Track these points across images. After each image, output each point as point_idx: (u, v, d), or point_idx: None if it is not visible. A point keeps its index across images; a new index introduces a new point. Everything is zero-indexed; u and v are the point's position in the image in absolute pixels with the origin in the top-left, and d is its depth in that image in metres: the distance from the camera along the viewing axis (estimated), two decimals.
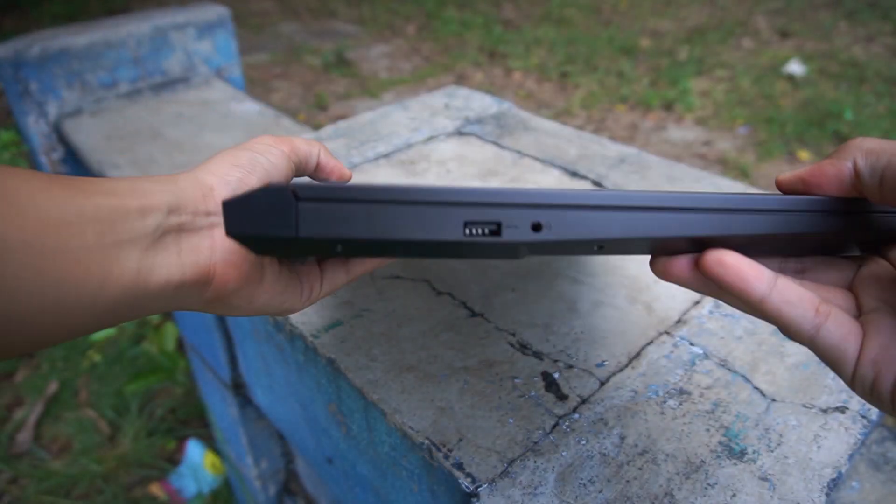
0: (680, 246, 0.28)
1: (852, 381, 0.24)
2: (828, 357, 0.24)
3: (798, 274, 0.28)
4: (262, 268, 0.31)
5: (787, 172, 0.27)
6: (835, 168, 0.25)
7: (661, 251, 0.28)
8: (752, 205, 0.26)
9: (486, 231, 0.25)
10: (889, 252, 0.27)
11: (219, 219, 0.29)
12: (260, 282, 0.31)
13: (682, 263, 0.27)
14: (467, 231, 0.25)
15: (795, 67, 2.97)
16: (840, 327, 0.24)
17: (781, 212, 0.26)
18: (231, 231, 0.25)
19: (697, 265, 0.26)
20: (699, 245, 0.27)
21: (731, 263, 0.25)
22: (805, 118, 2.56)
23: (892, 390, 0.22)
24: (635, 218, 0.25)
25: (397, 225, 0.24)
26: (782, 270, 0.28)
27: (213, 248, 0.29)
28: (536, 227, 0.25)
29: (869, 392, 0.23)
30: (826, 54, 3.18)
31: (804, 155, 2.34)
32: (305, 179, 0.34)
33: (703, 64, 3.14)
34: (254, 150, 0.32)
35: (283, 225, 0.24)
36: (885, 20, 3.59)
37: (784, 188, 0.27)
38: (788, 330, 0.25)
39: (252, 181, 0.31)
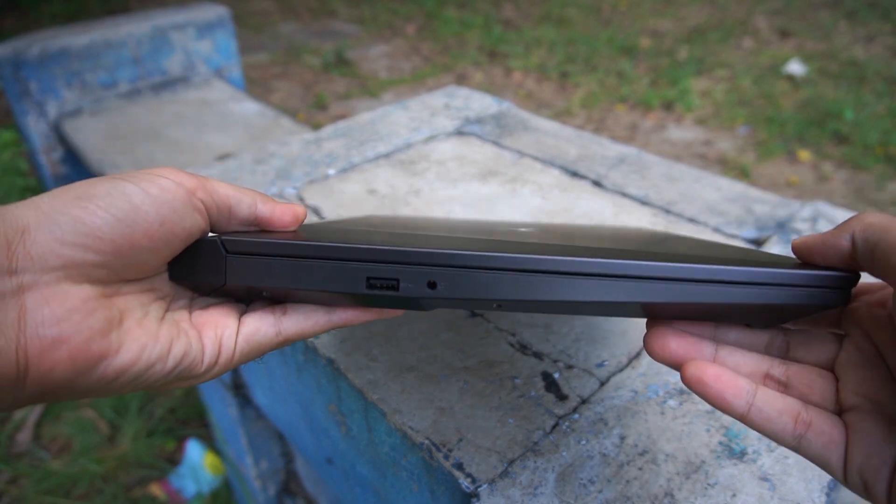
0: (592, 309, 0.28)
1: (846, 484, 0.24)
2: (815, 462, 0.25)
3: (782, 353, 0.28)
4: (116, 334, 0.23)
5: (799, 239, 0.27)
6: (835, 240, 0.24)
7: (574, 311, 0.29)
8: (656, 272, 0.25)
9: (386, 286, 0.27)
10: (866, 327, 0.26)
11: (33, 277, 0.21)
12: (116, 354, 0.23)
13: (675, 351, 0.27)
14: (369, 285, 0.27)
15: (795, 67, 2.97)
16: (821, 437, 0.24)
17: (702, 282, 0.25)
18: (172, 277, 0.28)
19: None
20: (617, 309, 0.27)
21: (710, 383, 0.25)
22: (805, 118, 2.56)
23: (887, 495, 0.22)
24: (530, 281, 0.26)
25: (311, 278, 0.27)
26: (768, 349, 0.28)
27: (21, 323, 0.21)
28: (431, 285, 0.26)
29: (865, 496, 0.23)
30: (826, 54, 3.18)
31: (804, 155, 2.34)
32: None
33: (703, 64, 3.14)
34: (126, 180, 0.24)
35: (214, 274, 0.27)
36: (885, 20, 3.59)
37: (795, 251, 0.27)
38: (775, 439, 0.25)
39: (96, 219, 0.22)
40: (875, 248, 0.23)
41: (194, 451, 1.21)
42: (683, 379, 0.26)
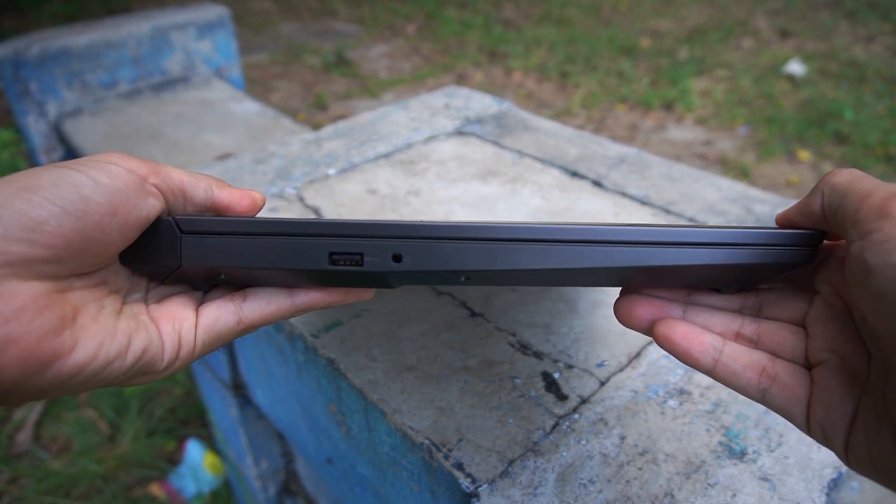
0: (562, 279, 0.28)
1: (810, 435, 0.25)
2: (780, 414, 0.26)
3: (755, 311, 0.28)
4: (70, 332, 0.22)
5: (780, 212, 0.27)
6: (808, 206, 0.25)
7: (545, 282, 0.29)
8: (622, 236, 0.25)
9: (350, 262, 0.26)
10: (836, 285, 0.26)
11: None
12: (70, 353, 0.22)
13: (643, 315, 0.27)
14: (332, 261, 0.26)
15: (795, 67, 2.97)
16: (784, 390, 0.25)
17: (662, 245, 0.25)
18: (123, 261, 0.27)
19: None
20: (588, 276, 0.27)
21: (678, 340, 0.26)
22: (805, 118, 2.56)
23: (844, 449, 0.23)
24: (497, 250, 0.26)
25: (270, 255, 0.26)
26: (742, 309, 0.28)
27: None
28: (397, 258, 0.26)
29: (826, 446, 0.24)
30: (826, 54, 3.17)
31: (804, 155, 2.34)
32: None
33: (703, 64, 3.14)
34: (73, 168, 0.23)
35: (169, 256, 0.26)
36: (885, 20, 3.59)
37: (781, 226, 0.27)
38: (739, 392, 0.26)
39: (42, 212, 0.21)
40: (836, 210, 0.23)
41: (194, 451, 1.21)
42: (654, 337, 0.27)
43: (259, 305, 0.28)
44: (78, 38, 1.46)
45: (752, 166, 2.28)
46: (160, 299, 0.28)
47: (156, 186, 0.25)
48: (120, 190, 0.23)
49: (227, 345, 0.29)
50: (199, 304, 0.28)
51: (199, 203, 0.27)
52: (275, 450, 0.90)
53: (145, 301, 0.28)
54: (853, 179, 0.23)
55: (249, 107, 1.49)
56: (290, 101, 2.88)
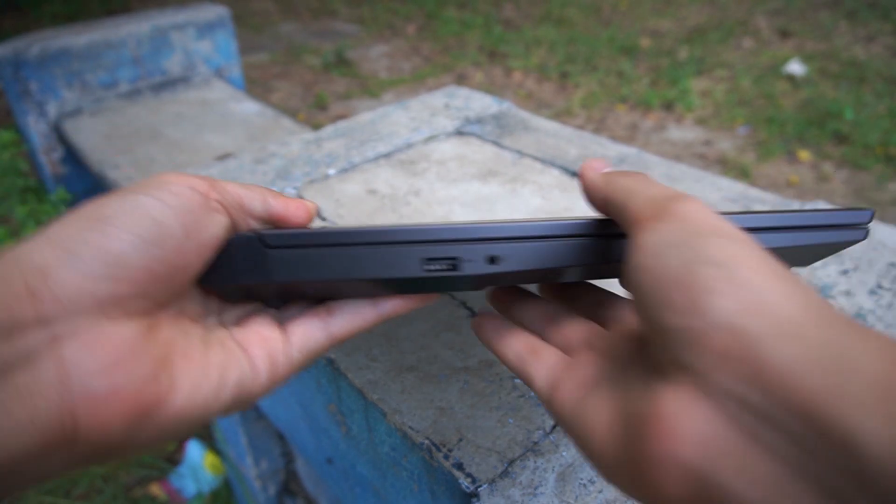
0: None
1: (540, 398, 0.26)
2: (520, 375, 0.27)
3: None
4: (167, 375, 0.20)
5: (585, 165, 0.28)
6: (601, 184, 0.25)
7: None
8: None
9: (445, 266, 0.26)
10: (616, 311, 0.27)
11: (66, 326, 0.18)
12: (168, 398, 0.20)
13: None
14: (426, 268, 0.26)
15: (795, 67, 2.97)
16: (539, 362, 0.27)
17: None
18: (205, 283, 0.25)
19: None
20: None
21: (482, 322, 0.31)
22: (805, 118, 2.56)
23: (555, 395, 0.24)
24: (594, 245, 0.26)
25: (361, 266, 0.25)
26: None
27: (63, 380, 0.17)
28: (493, 260, 0.26)
29: (547, 397, 0.25)
30: (826, 54, 3.18)
31: (804, 155, 2.34)
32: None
33: (703, 64, 3.14)
34: (138, 192, 0.21)
35: (257, 272, 0.25)
36: (885, 20, 3.59)
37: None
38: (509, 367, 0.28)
39: (121, 244, 0.19)
40: (622, 207, 0.23)
41: (195, 451, 1.21)
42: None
43: (346, 318, 0.28)
44: (78, 38, 1.46)
45: (752, 166, 2.28)
46: (238, 321, 0.26)
47: (218, 202, 0.23)
48: (188, 209, 0.22)
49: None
50: (281, 322, 0.27)
51: (258, 215, 0.26)
52: (275, 450, 0.90)
53: (223, 324, 0.26)
54: (623, 181, 0.24)
55: (249, 107, 1.49)
56: (290, 101, 2.88)
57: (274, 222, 0.27)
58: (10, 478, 0.17)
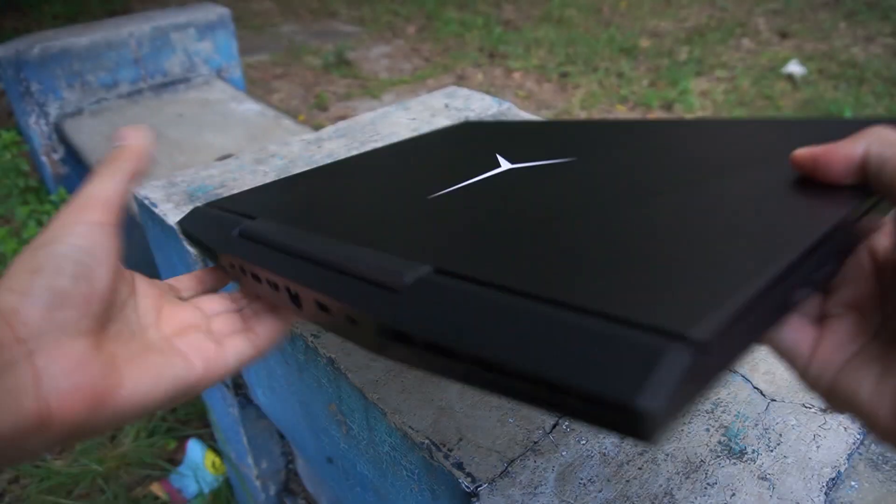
0: None
1: (803, 379, 0.26)
2: (785, 358, 0.26)
3: None
4: (114, 375, 0.26)
5: (801, 150, 0.26)
6: (847, 150, 0.24)
7: None
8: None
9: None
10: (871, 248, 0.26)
11: (36, 343, 0.24)
12: (116, 388, 0.26)
13: None
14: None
15: (795, 68, 2.97)
16: (794, 332, 0.26)
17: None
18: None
19: None
20: None
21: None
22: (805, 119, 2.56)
23: (831, 384, 0.25)
24: None
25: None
26: None
27: (37, 381, 0.24)
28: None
29: (817, 385, 0.25)
30: (826, 55, 3.18)
31: None
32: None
33: (702, 64, 3.15)
34: (50, 243, 0.27)
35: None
36: (884, 20, 3.59)
37: (798, 164, 0.26)
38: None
39: (63, 282, 0.25)
40: (884, 164, 0.23)
41: (195, 451, 1.21)
42: None
43: (269, 329, 0.34)
44: (79, 38, 1.46)
45: None
46: (180, 330, 0.32)
47: (108, 226, 0.29)
48: (95, 245, 0.27)
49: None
50: (220, 334, 0.33)
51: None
52: (275, 449, 0.90)
53: (158, 324, 0.31)
54: (890, 139, 0.23)
55: (250, 107, 1.49)
56: (290, 102, 2.88)
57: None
58: (2, 454, 0.24)
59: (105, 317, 0.28)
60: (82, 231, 0.27)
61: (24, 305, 0.25)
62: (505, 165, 0.35)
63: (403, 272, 0.22)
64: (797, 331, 0.26)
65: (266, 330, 0.34)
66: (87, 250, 0.27)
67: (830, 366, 0.24)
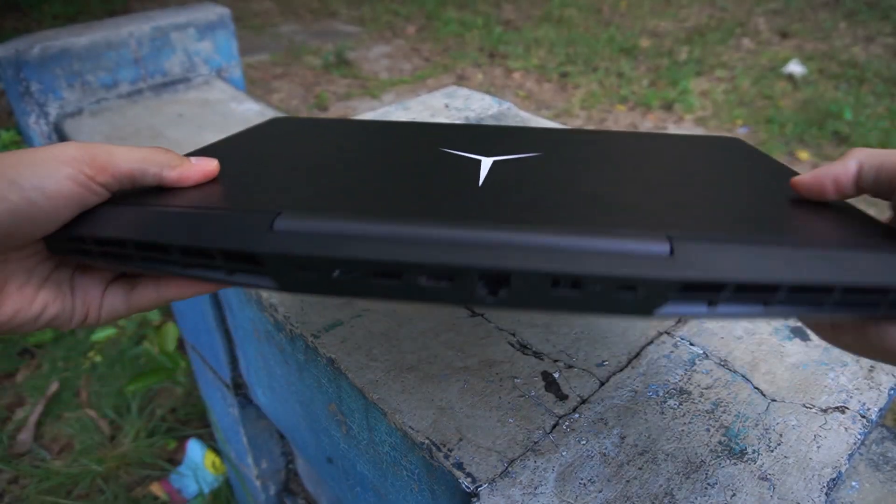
0: None
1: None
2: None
3: None
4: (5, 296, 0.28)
5: (802, 175, 0.30)
6: (841, 167, 0.28)
7: None
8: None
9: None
10: None
11: None
12: None
13: None
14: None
15: (795, 68, 2.97)
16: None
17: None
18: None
19: None
20: None
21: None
22: (805, 118, 2.56)
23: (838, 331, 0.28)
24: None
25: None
26: None
27: None
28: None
29: (816, 329, 0.29)
30: (826, 54, 3.18)
31: (804, 155, 2.34)
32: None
33: (702, 64, 3.14)
34: (27, 167, 0.26)
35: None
36: (884, 20, 3.59)
37: (804, 188, 0.30)
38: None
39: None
40: (880, 169, 0.27)
41: (195, 451, 1.21)
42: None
43: (143, 295, 0.33)
44: (79, 38, 1.46)
45: None
46: (85, 267, 0.32)
47: (102, 185, 0.28)
48: (64, 195, 0.27)
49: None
50: (108, 283, 0.33)
51: (149, 185, 0.30)
52: (275, 449, 0.90)
53: (73, 267, 0.32)
54: (885, 151, 0.27)
55: (250, 107, 1.49)
56: (290, 102, 2.88)
57: (169, 187, 0.31)
58: None
59: (23, 245, 0.29)
60: (63, 176, 0.27)
61: None
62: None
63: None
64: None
65: (144, 289, 0.34)
66: (48, 193, 0.26)
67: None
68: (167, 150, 0.31)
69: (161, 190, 0.31)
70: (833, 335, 0.29)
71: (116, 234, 0.28)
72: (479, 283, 0.24)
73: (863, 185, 0.27)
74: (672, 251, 0.23)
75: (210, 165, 0.32)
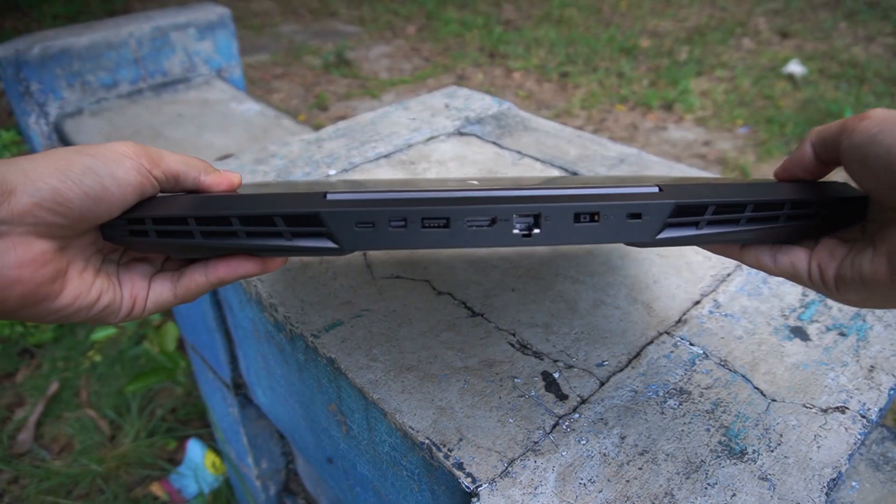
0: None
1: (809, 281, 0.32)
2: (787, 273, 0.33)
3: None
4: (60, 282, 0.29)
5: (779, 166, 0.34)
6: (800, 152, 0.32)
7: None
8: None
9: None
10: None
11: (9, 227, 0.27)
12: (56, 298, 0.29)
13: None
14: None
15: (795, 67, 2.97)
16: (789, 252, 0.33)
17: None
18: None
19: None
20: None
21: None
22: (805, 118, 2.56)
23: (834, 281, 0.31)
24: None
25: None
26: None
27: None
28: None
29: (820, 285, 0.32)
30: (826, 54, 3.17)
31: None
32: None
33: (703, 64, 3.14)
34: (97, 157, 0.29)
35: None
36: (885, 20, 3.59)
37: (779, 176, 0.34)
38: (761, 267, 0.34)
39: (70, 194, 0.28)
40: (826, 139, 0.31)
41: (195, 451, 1.21)
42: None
43: (188, 282, 0.35)
44: (79, 38, 1.46)
45: (751, 166, 2.28)
46: (128, 262, 0.34)
47: (156, 178, 0.31)
48: (130, 184, 0.30)
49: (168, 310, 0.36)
50: (153, 274, 0.34)
51: (188, 187, 0.33)
52: (275, 449, 0.90)
53: (118, 261, 0.34)
54: (826, 125, 0.31)
55: (250, 107, 1.49)
56: (290, 102, 2.88)
57: (203, 191, 0.34)
58: None
59: (84, 232, 0.31)
60: (127, 166, 0.30)
61: (24, 192, 0.26)
62: None
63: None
64: (794, 252, 0.33)
65: (187, 277, 0.35)
66: (121, 184, 0.29)
67: (829, 264, 0.31)
68: (202, 159, 0.35)
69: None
70: (841, 295, 0.32)
71: (179, 212, 0.30)
72: (515, 223, 0.29)
73: (823, 159, 0.32)
74: (660, 189, 0.31)
75: (236, 177, 0.35)
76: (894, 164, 0.26)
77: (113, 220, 0.31)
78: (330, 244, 0.30)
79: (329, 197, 0.30)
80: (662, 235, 0.30)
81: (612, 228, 0.30)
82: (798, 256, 0.33)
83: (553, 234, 0.30)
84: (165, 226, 0.31)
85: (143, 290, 0.33)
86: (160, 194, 0.32)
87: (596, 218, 0.30)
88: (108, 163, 0.29)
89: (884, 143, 0.27)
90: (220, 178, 0.34)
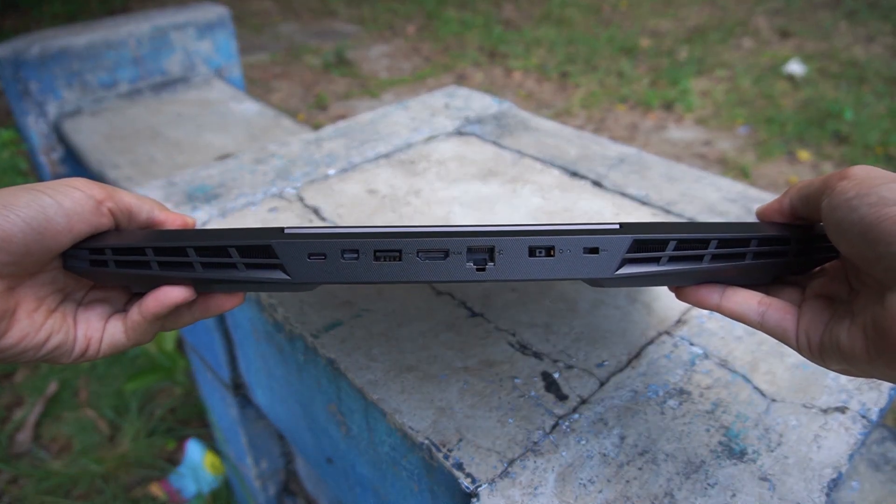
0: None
1: (797, 347, 0.31)
2: (775, 333, 0.31)
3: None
4: (5, 322, 0.29)
5: (761, 206, 0.34)
6: (777, 203, 0.33)
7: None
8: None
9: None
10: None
11: None
12: (2, 336, 0.29)
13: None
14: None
15: (795, 67, 2.97)
16: (778, 311, 0.31)
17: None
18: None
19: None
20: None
21: (689, 291, 0.33)
22: (805, 118, 2.56)
23: (819, 347, 0.30)
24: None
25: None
26: None
27: None
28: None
29: (808, 351, 0.30)
30: (826, 54, 3.17)
31: (804, 155, 2.34)
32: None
33: (703, 64, 3.14)
34: (44, 191, 0.29)
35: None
36: (885, 20, 3.59)
37: (759, 216, 0.34)
38: (744, 320, 0.32)
39: (13, 228, 0.27)
40: (807, 195, 0.30)
41: (194, 451, 1.21)
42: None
43: (130, 320, 0.34)
44: (78, 38, 1.46)
45: (751, 166, 2.28)
46: (89, 303, 0.34)
47: (109, 210, 0.31)
48: (78, 212, 0.29)
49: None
50: (111, 315, 0.34)
51: (141, 223, 0.34)
52: (275, 450, 0.90)
53: (79, 302, 0.33)
54: (809, 181, 0.31)
55: (250, 107, 1.49)
56: (290, 102, 2.88)
57: (155, 228, 0.34)
58: None
59: (36, 270, 0.30)
60: (79, 197, 0.29)
61: None
62: None
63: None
64: (782, 312, 0.31)
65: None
66: (67, 212, 0.29)
67: (815, 331, 0.30)
68: (154, 199, 0.35)
69: None
70: (826, 364, 0.31)
71: (137, 243, 0.31)
72: (468, 257, 0.30)
73: (798, 214, 0.32)
74: (621, 226, 0.31)
75: (189, 219, 0.36)
76: (867, 232, 0.25)
77: (74, 250, 0.31)
78: (282, 276, 0.30)
79: (287, 231, 0.30)
80: (622, 271, 0.30)
81: (569, 263, 0.30)
82: (786, 319, 0.31)
83: (508, 268, 0.30)
84: (124, 255, 0.31)
85: (97, 332, 0.33)
86: (119, 230, 0.32)
87: (552, 253, 0.29)
88: (53, 195, 0.29)
89: (858, 210, 0.26)
90: (175, 216, 0.35)
